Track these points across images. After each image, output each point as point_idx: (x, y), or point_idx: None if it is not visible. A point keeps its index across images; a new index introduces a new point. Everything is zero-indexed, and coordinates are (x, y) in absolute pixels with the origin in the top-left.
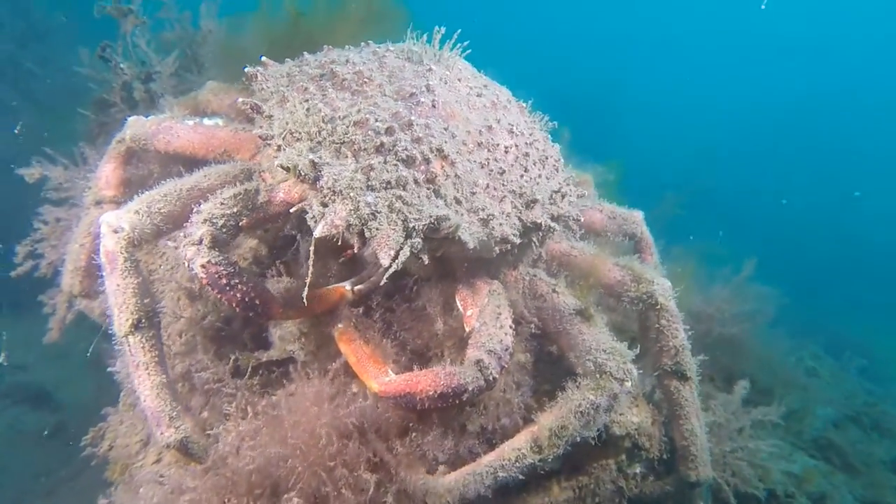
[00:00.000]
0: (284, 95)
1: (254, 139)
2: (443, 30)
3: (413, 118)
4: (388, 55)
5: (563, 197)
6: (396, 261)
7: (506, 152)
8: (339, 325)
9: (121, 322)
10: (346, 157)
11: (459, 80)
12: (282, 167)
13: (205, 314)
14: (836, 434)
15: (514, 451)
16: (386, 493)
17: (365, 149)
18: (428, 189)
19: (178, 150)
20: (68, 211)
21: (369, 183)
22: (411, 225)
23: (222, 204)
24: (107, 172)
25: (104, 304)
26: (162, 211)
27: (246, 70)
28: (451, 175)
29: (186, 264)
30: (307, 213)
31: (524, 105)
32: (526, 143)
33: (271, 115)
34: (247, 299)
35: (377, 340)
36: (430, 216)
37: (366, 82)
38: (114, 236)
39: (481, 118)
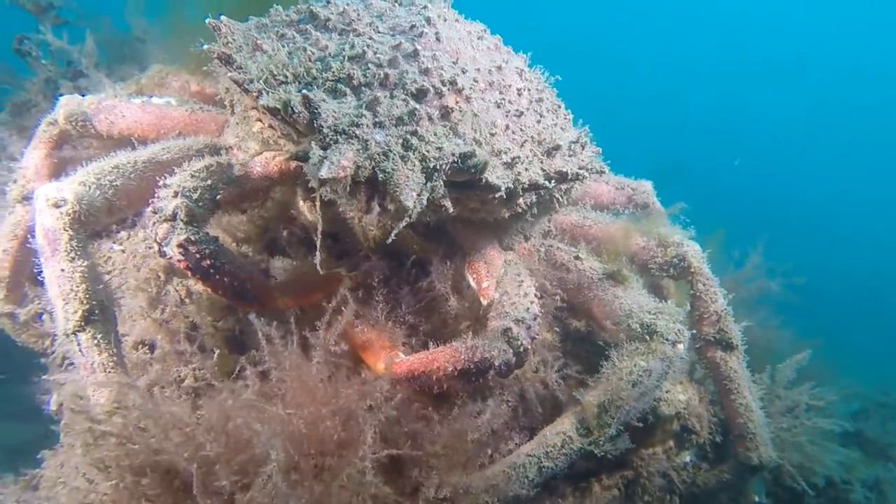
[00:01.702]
0: (257, 43)
1: (214, 118)
2: None
3: (418, 48)
4: None
5: (582, 147)
6: (416, 207)
7: (519, 94)
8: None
9: (67, 315)
10: (345, 94)
11: (457, 20)
12: (266, 108)
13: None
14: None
15: (559, 434)
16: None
17: (367, 83)
18: (444, 126)
19: (123, 133)
20: None
21: (377, 119)
22: (431, 164)
23: (193, 176)
24: (35, 160)
25: (31, 313)
26: (115, 184)
27: (208, 21)
28: (468, 111)
29: (157, 247)
30: (305, 162)
31: (524, 56)
32: (537, 89)
33: (242, 66)
34: (236, 284)
35: (383, 324)
36: (453, 153)
37: (353, 20)
38: (54, 211)
39: (488, 58)
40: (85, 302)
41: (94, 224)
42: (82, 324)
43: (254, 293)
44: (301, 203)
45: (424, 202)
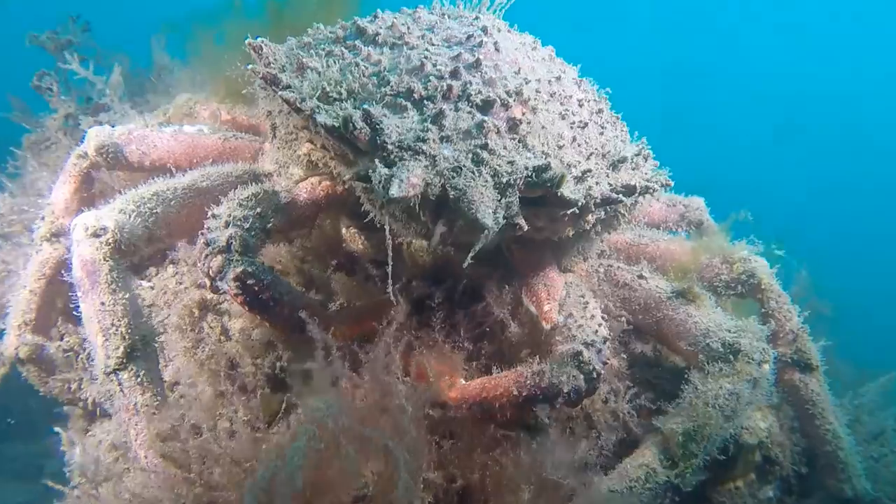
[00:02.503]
0: (303, 62)
1: (248, 146)
2: None
3: (480, 57)
4: (419, 12)
5: (645, 160)
6: (494, 225)
7: (580, 106)
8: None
9: (108, 352)
10: (406, 109)
11: (509, 31)
12: (323, 126)
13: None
14: None
15: (641, 467)
16: None
17: (429, 97)
18: (512, 139)
19: (155, 163)
20: (13, 251)
21: (443, 134)
22: (505, 179)
23: (241, 205)
24: (65, 195)
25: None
26: (155, 212)
27: (248, 41)
28: (536, 123)
29: (210, 281)
30: (367, 182)
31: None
32: (594, 100)
33: (291, 86)
34: (293, 317)
35: (441, 348)
36: (526, 167)
37: (405, 34)
38: (94, 241)
39: (545, 69)
40: (127, 337)
41: (134, 254)
42: (124, 361)
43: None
44: (345, 230)
45: (501, 220)
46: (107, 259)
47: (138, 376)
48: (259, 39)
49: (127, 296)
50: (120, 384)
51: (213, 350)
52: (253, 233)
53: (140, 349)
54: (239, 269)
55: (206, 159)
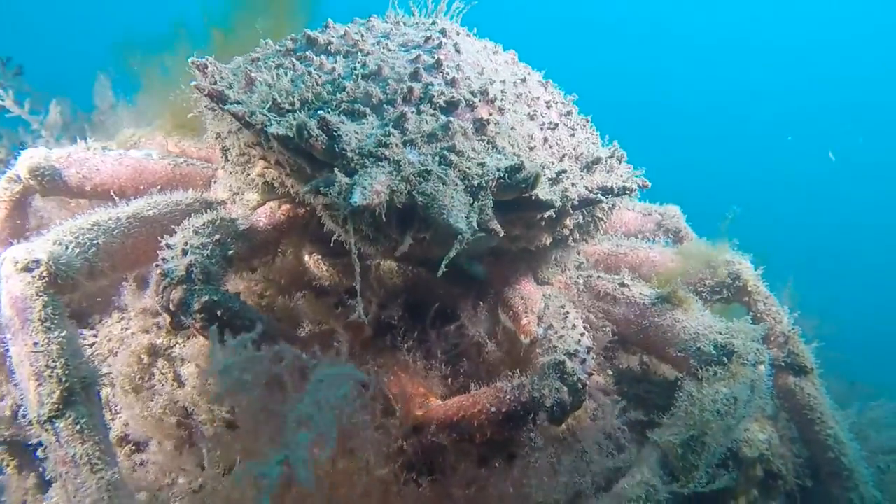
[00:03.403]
0: (251, 76)
1: (200, 173)
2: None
3: (441, 58)
4: (373, 20)
5: (620, 161)
6: (468, 230)
7: (548, 108)
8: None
9: (42, 399)
10: (364, 115)
11: (468, 35)
12: (276, 138)
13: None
14: None
15: (640, 485)
16: None
17: (389, 100)
18: (481, 141)
19: (97, 189)
20: None
21: (406, 138)
22: (476, 182)
23: (197, 233)
24: None
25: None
26: (96, 242)
27: (191, 60)
28: (504, 123)
29: (170, 316)
30: (327, 195)
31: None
32: (562, 103)
33: (240, 101)
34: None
35: (416, 370)
36: (498, 168)
37: (358, 42)
38: (24, 276)
39: (509, 71)
40: (64, 380)
41: (73, 289)
42: (61, 407)
43: None
44: (308, 258)
45: (475, 225)
46: (40, 295)
47: (77, 424)
48: (205, 58)
49: (63, 334)
50: (56, 434)
51: (163, 400)
52: (214, 260)
53: (79, 393)
54: (204, 299)
55: (155, 185)
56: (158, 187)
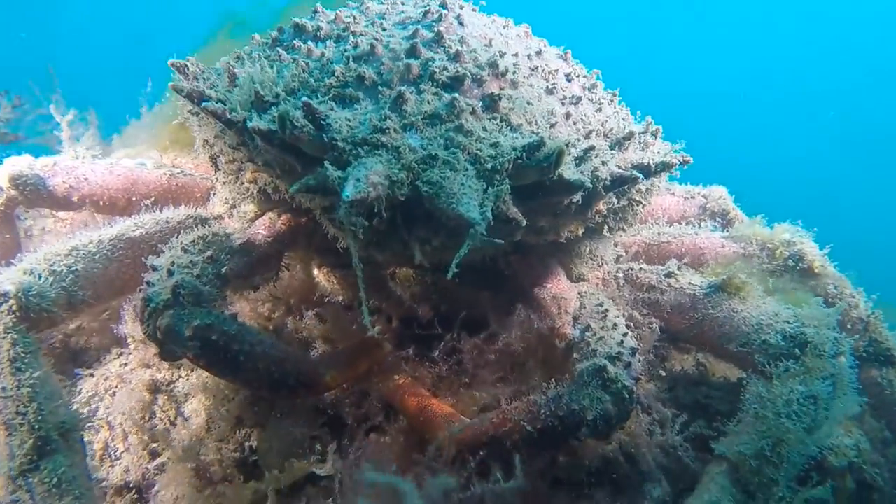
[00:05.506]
0: (234, 72)
1: (197, 184)
2: None
3: (441, 30)
4: (367, 2)
5: (655, 137)
6: (482, 221)
7: (569, 80)
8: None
9: (12, 451)
10: (357, 99)
11: (473, 9)
12: (258, 133)
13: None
14: None
15: None
16: None
17: (384, 81)
18: (492, 119)
19: (85, 199)
20: None
21: (405, 121)
22: (489, 165)
23: (186, 251)
24: None
25: None
26: (73, 269)
27: (170, 62)
28: (518, 99)
29: (159, 346)
30: (317, 188)
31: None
32: (585, 76)
33: (221, 99)
34: (273, 370)
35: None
36: (515, 147)
37: (350, 24)
38: None
39: (522, 45)
40: (37, 427)
41: (50, 323)
42: (35, 459)
43: (297, 377)
44: (317, 271)
45: (490, 215)
46: (8, 332)
47: (54, 477)
48: (186, 58)
49: (36, 374)
50: (30, 491)
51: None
52: (205, 280)
53: (56, 441)
54: (195, 324)
55: (148, 197)
56: (152, 199)
